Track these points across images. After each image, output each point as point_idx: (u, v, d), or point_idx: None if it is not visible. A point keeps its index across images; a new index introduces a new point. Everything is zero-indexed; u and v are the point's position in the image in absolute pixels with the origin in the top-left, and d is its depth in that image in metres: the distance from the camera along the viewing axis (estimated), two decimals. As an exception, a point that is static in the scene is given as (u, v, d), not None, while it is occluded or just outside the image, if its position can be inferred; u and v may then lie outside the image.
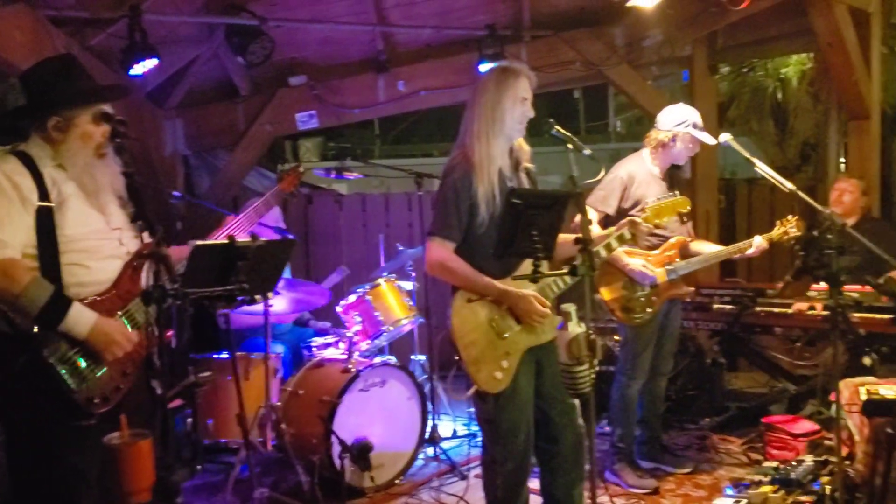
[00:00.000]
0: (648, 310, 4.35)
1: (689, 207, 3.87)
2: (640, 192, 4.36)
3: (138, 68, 4.91)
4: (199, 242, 2.53)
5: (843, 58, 5.86)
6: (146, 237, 2.74)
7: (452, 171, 3.18)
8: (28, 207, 2.61)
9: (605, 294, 4.38)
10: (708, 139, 4.40)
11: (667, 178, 4.50)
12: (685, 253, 4.50)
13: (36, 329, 2.58)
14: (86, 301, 2.67)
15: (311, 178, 7.50)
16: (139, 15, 4.79)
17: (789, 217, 4.58)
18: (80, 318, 2.62)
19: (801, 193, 3.99)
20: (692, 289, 4.85)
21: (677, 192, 3.94)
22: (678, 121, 4.38)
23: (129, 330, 2.73)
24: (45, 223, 2.63)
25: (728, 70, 9.53)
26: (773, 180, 4.08)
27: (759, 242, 4.44)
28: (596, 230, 4.19)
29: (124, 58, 4.85)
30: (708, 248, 4.56)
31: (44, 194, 2.64)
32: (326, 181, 7.91)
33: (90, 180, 2.73)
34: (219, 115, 6.51)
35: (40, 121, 2.71)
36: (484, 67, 6.14)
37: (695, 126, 4.37)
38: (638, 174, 4.41)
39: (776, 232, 4.52)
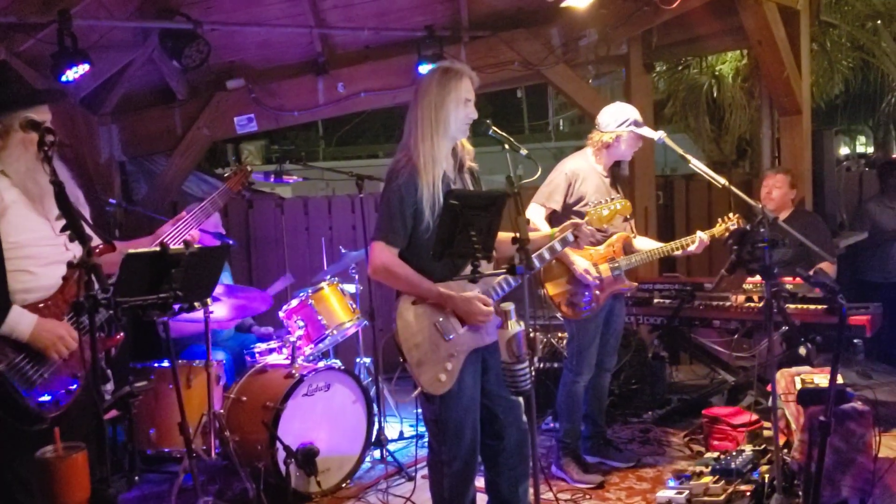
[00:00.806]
0: (593, 305, 4.41)
1: (631, 212, 3.92)
2: (583, 189, 4.41)
3: (70, 74, 4.80)
4: (131, 251, 2.49)
5: (774, 55, 6.01)
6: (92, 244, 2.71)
7: (397, 175, 3.16)
8: None
9: (550, 289, 4.43)
10: (651, 134, 4.45)
11: (610, 174, 4.56)
12: (627, 249, 4.56)
13: None
14: (32, 306, 2.67)
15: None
16: (69, 20, 4.68)
17: (730, 214, 4.66)
18: (22, 320, 2.63)
19: (734, 189, 4.09)
20: (635, 284, 4.92)
21: (620, 195, 3.97)
22: (620, 121, 4.43)
23: (74, 330, 2.73)
24: None
25: (664, 68, 9.72)
26: (707, 177, 4.18)
27: (701, 237, 4.50)
28: (543, 226, 4.26)
29: (55, 63, 4.73)
30: (649, 245, 4.62)
31: None
32: (267, 185, 7.83)
33: (34, 185, 2.73)
34: (155, 120, 6.40)
35: None
36: (424, 68, 6.15)
37: (636, 123, 4.43)
38: (581, 171, 4.46)
39: (717, 229, 4.59)
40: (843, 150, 18.80)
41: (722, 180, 4.10)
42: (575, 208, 4.33)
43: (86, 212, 2.93)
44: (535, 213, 4.39)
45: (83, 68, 4.85)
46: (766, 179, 5.63)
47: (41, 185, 2.71)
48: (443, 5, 6.52)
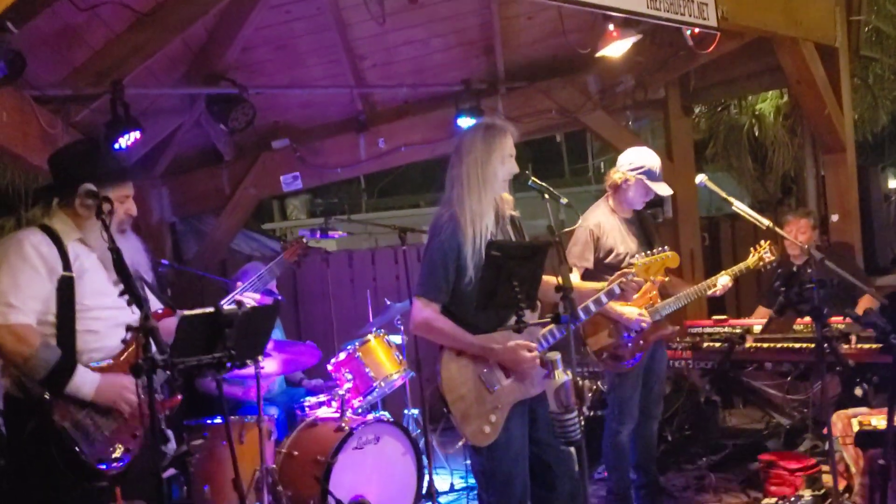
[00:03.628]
0: (637, 355, 4.33)
1: (678, 263, 3.84)
2: (610, 242, 4.32)
3: (122, 141, 4.98)
4: (187, 313, 2.59)
5: (814, 94, 5.96)
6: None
7: (440, 230, 3.21)
8: (52, 277, 2.80)
9: (592, 344, 4.31)
10: (662, 190, 4.35)
11: (635, 221, 4.46)
12: (664, 292, 4.46)
13: (47, 395, 2.70)
14: (95, 367, 2.81)
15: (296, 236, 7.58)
16: (121, 90, 4.88)
17: (762, 242, 4.62)
18: (86, 379, 2.76)
19: (778, 230, 4.08)
20: (677, 328, 4.84)
21: (666, 248, 3.83)
22: (633, 165, 4.33)
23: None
24: (66, 292, 2.82)
25: (704, 109, 9.70)
26: (750, 218, 4.15)
27: (724, 282, 4.44)
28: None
29: (108, 132, 4.91)
30: (685, 288, 4.52)
31: (66, 265, 2.83)
32: (313, 241, 7.97)
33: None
34: (204, 180, 6.60)
35: (67, 199, 2.91)
36: (462, 121, 6.26)
37: (649, 174, 4.31)
38: (605, 223, 4.36)
39: (751, 260, 4.54)
40: (893, 184, 18.41)
41: (766, 221, 4.07)
42: (606, 261, 4.25)
43: (149, 277, 3.07)
44: (576, 276, 4.23)
45: (135, 135, 5.03)
46: (789, 224, 5.42)
47: None
48: (478, 59, 6.65)
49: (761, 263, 4.57)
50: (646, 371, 4.46)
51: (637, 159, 4.36)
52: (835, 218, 6.20)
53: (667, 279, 4.47)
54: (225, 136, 6.32)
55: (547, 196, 3.18)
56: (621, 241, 4.33)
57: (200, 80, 5.67)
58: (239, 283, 3.60)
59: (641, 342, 4.32)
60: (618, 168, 4.42)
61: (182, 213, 6.66)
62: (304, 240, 4.03)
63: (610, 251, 4.31)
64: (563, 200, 3.26)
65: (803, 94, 6.07)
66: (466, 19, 6.29)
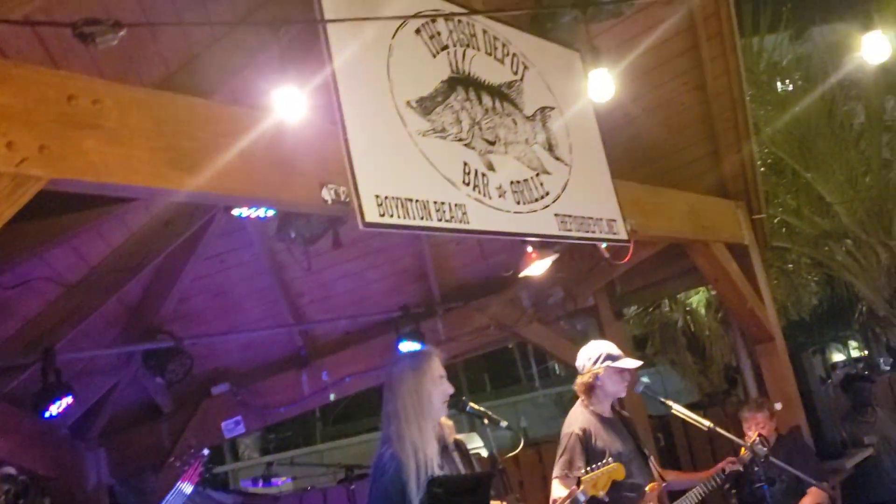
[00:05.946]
0: None
1: (623, 475, 3.73)
2: (600, 444, 4.10)
3: (53, 409, 4.85)
4: None
5: (733, 289, 6.19)
6: None
7: (383, 472, 3.14)
8: None
9: None
10: (630, 364, 4.25)
11: (616, 421, 4.32)
12: (668, 491, 4.29)
13: None
14: None
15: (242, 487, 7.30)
16: (53, 356, 4.84)
17: (749, 434, 4.52)
18: None
19: (719, 430, 4.12)
20: None
21: (611, 460, 3.77)
22: (594, 358, 4.24)
23: None
24: None
25: (637, 309, 9.99)
26: (690, 420, 4.18)
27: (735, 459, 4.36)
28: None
29: (37, 400, 4.79)
30: (686, 479, 4.43)
31: None
32: (259, 489, 7.67)
33: None
34: (143, 437, 6.41)
35: None
36: (403, 346, 6.31)
37: (611, 357, 4.23)
38: (590, 425, 4.17)
39: (745, 456, 4.43)
40: (839, 357, 18.86)
41: (706, 423, 4.11)
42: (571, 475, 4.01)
43: None
44: (561, 490, 3.95)
45: (66, 401, 4.91)
46: (747, 422, 5.39)
47: None
48: (414, 285, 6.84)
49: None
50: None
51: (592, 351, 4.27)
52: (779, 406, 6.22)
53: (664, 482, 4.30)
54: (162, 389, 6.23)
55: (486, 421, 3.18)
56: (611, 441, 4.13)
57: (137, 337, 5.68)
58: None
59: None
60: (581, 372, 4.29)
61: (121, 473, 6.38)
62: (203, 452, 3.82)
63: (602, 454, 4.04)
64: (503, 424, 3.27)
65: (723, 290, 6.33)
66: (398, 250, 6.54)
